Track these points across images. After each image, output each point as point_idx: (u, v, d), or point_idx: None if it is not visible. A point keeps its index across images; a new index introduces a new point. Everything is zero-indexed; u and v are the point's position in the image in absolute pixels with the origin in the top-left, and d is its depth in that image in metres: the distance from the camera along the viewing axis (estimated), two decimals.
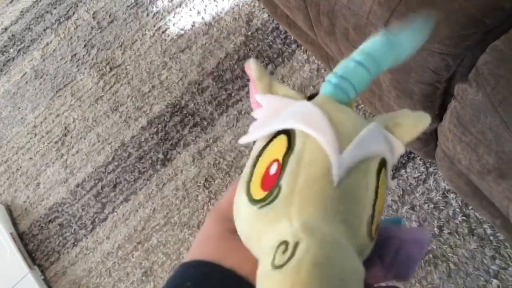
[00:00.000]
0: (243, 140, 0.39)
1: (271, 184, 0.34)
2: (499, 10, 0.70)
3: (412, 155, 1.28)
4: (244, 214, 0.35)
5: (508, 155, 0.66)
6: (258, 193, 0.35)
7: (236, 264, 0.36)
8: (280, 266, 0.28)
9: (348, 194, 0.33)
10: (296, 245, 0.29)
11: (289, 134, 0.36)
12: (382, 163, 0.36)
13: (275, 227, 0.32)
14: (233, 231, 0.37)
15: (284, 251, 0.29)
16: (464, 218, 1.18)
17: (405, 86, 0.80)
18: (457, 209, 1.19)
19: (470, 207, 1.18)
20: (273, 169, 0.35)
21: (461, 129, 0.73)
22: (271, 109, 0.40)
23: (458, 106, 0.72)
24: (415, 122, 0.40)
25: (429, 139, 0.97)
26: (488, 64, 0.68)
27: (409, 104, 0.83)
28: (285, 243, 0.30)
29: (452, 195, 1.21)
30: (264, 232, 0.33)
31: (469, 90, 0.69)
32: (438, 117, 0.85)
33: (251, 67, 0.42)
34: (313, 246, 0.29)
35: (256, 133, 0.39)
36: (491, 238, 1.15)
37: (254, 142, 0.40)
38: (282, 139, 0.37)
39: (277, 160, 0.35)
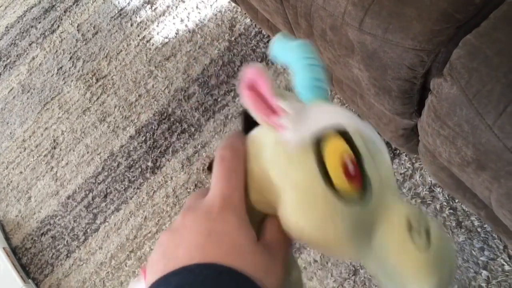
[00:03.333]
0: (295, 137, 0.36)
1: (358, 181, 0.35)
2: (470, 5, 0.71)
3: (398, 151, 1.29)
4: (328, 212, 0.34)
5: (485, 146, 0.67)
6: (349, 191, 0.34)
7: (266, 284, 0.32)
8: (425, 249, 0.32)
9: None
10: (427, 230, 0.33)
11: (343, 135, 0.37)
12: None
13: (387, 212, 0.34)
14: (256, 240, 0.34)
15: (418, 233, 0.33)
16: (451, 211, 1.19)
17: (382, 83, 0.81)
18: (444, 203, 1.21)
19: (456, 200, 1.19)
20: (351, 168, 0.35)
21: (439, 123, 0.74)
22: (298, 113, 0.38)
23: (434, 100, 0.74)
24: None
25: (410, 135, 0.99)
26: (461, 58, 0.69)
27: (388, 100, 0.84)
28: (410, 225, 0.33)
29: (438, 189, 1.22)
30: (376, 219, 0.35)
31: (444, 84, 0.71)
32: (417, 112, 0.87)
33: (262, 71, 0.40)
34: (438, 230, 0.33)
35: (308, 130, 0.37)
36: (479, 229, 1.16)
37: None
38: (338, 140, 0.36)
39: (350, 158, 0.35)
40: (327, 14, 0.85)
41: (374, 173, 0.35)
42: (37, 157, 1.86)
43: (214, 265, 0.31)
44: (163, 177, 1.60)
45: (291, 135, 0.36)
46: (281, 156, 0.36)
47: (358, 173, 0.34)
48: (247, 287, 0.30)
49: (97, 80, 1.88)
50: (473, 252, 1.15)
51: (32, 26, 2.17)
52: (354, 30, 0.80)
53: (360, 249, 0.34)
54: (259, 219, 0.38)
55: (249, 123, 0.40)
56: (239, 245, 0.33)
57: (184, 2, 1.87)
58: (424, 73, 0.76)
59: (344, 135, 0.36)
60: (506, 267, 1.12)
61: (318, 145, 0.35)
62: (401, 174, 1.27)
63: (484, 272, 1.13)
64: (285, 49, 0.44)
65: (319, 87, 0.42)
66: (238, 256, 0.32)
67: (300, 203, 0.34)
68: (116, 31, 1.96)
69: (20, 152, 1.90)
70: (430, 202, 1.22)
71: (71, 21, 2.08)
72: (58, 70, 2.00)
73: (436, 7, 0.72)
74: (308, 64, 0.42)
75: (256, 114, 0.38)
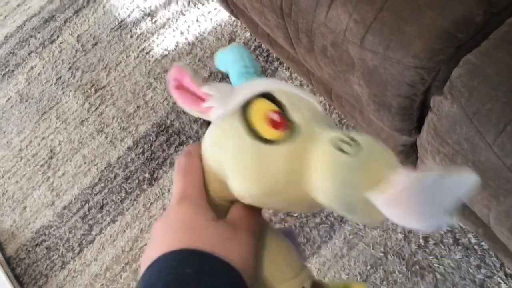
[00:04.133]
0: (224, 111, 0.40)
1: (283, 124, 0.38)
2: (470, 24, 0.72)
3: None
4: (253, 154, 0.37)
5: (485, 164, 0.68)
6: (271, 133, 0.37)
7: (230, 256, 0.36)
8: (355, 154, 0.33)
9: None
10: (355, 141, 0.34)
11: (267, 96, 0.40)
12: None
13: (319, 141, 0.36)
14: (215, 220, 0.38)
15: (347, 145, 0.34)
16: (448, 228, 1.20)
17: (383, 99, 0.82)
18: None
19: (454, 218, 1.19)
20: (275, 116, 0.38)
21: (439, 140, 0.75)
22: (224, 93, 0.41)
23: (434, 118, 0.74)
24: None
25: (409, 152, 0.99)
26: (461, 77, 0.70)
27: (388, 117, 0.85)
28: (342, 140, 0.35)
29: None
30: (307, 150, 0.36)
31: (445, 102, 0.71)
32: (417, 129, 0.87)
33: (182, 67, 0.43)
34: (367, 139, 0.35)
35: (234, 102, 0.40)
36: (476, 247, 1.16)
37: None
38: (263, 101, 0.40)
39: (275, 111, 0.39)
40: (329, 31, 0.86)
41: (297, 115, 0.38)
42: (34, 166, 1.85)
43: (172, 252, 0.35)
44: (160, 189, 1.60)
45: (220, 112, 0.40)
46: (216, 133, 0.40)
47: (283, 119, 0.38)
48: (199, 260, 0.35)
49: (96, 91, 1.89)
50: (469, 269, 1.15)
51: (31, 36, 2.18)
52: (355, 47, 0.81)
53: (306, 185, 0.36)
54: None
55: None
56: (193, 227, 0.37)
57: (184, 15, 1.88)
58: (424, 91, 0.77)
59: (267, 96, 0.40)
60: (503, 286, 1.12)
61: (244, 110, 0.39)
62: None
63: None
64: (222, 56, 0.54)
65: (248, 72, 0.49)
66: (193, 235, 0.36)
67: (238, 165, 0.38)
68: (116, 42, 1.96)
69: (17, 162, 1.90)
70: None
71: (71, 31, 2.08)
72: (56, 80, 2.00)
73: (437, 26, 0.73)
74: (238, 57, 0.51)
75: (187, 108, 0.42)
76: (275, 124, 0.38)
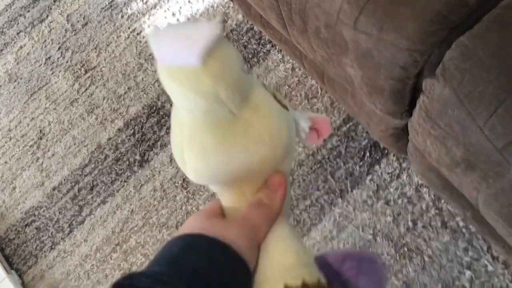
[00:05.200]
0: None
1: None
2: (463, 7, 0.72)
3: (386, 151, 1.31)
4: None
5: (475, 146, 0.68)
6: None
7: (220, 233, 0.42)
8: None
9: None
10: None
11: None
12: None
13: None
14: (212, 218, 0.46)
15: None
16: (437, 211, 1.21)
17: (375, 82, 0.82)
18: (430, 203, 1.22)
19: (442, 201, 1.21)
20: None
21: (430, 123, 0.75)
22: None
23: (426, 100, 0.75)
24: None
25: (400, 135, 1.00)
26: (454, 59, 0.70)
27: (380, 100, 0.85)
28: None
29: (425, 189, 1.24)
30: None
31: (437, 85, 0.71)
32: (408, 112, 0.88)
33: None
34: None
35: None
36: (464, 230, 1.18)
37: None
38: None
39: None
40: (322, 12, 0.86)
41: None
42: (23, 147, 1.84)
43: (176, 236, 0.44)
44: (151, 170, 1.59)
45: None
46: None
47: None
48: (200, 241, 0.42)
49: (86, 72, 1.87)
50: (457, 252, 1.17)
51: (20, 15, 2.15)
52: (348, 29, 0.80)
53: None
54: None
55: None
56: (195, 224, 0.45)
57: None
58: (416, 74, 0.77)
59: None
60: (489, 268, 1.13)
61: None
62: (388, 173, 1.28)
63: (468, 272, 1.15)
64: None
65: None
66: (193, 227, 0.44)
67: (183, 143, 0.45)
68: (106, 22, 1.94)
69: (6, 142, 1.88)
70: (416, 202, 1.24)
71: (61, 11, 2.06)
72: (46, 60, 1.98)
73: (430, 9, 0.73)
74: None
75: None
76: None
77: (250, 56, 1.61)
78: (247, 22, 1.65)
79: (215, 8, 1.75)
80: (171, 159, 1.58)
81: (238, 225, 0.44)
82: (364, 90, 0.88)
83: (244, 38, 1.64)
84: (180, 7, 1.83)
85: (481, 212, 0.79)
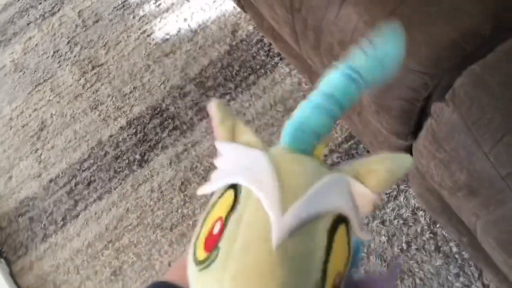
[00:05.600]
0: (202, 190, 0.38)
1: (213, 244, 0.33)
2: (478, 37, 0.74)
3: None
4: (191, 274, 0.34)
5: (479, 172, 0.70)
6: (202, 254, 0.34)
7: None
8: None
9: (290, 258, 0.31)
10: None
11: (236, 189, 0.35)
12: (338, 220, 0.34)
13: None
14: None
15: None
16: (431, 235, 1.22)
17: (384, 101, 0.83)
18: (425, 226, 1.23)
19: (438, 225, 1.22)
20: (216, 229, 0.34)
21: (436, 146, 0.77)
22: (230, 159, 0.39)
23: (434, 123, 0.76)
24: (393, 167, 0.37)
25: None
26: (464, 86, 0.72)
27: (387, 119, 0.86)
28: None
29: (421, 213, 1.25)
30: None
31: (446, 109, 0.73)
32: (413, 134, 0.89)
33: (213, 109, 0.41)
34: None
35: (211, 186, 0.37)
36: (456, 256, 1.19)
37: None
38: (230, 195, 0.35)
39: (221, 218, 0.34)
40: (337, 29, 0.87)
41: (227, 243, 0.33)
42: (23, 137, 1.84)
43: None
44: (150, 171, 1.60)
45: (212, 178, 0.39)
46: None
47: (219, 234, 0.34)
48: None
49: (93, 68, 1.88)
50: (448, 277, 1.18)
51: (32, 6, 2.16)
52: None
53: None
54: None
55: None
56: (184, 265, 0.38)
57: (189, 1, 1.88)
58: (426, 97, 0.78)
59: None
60: None
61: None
62: (386, 194, 1.30)
63: None
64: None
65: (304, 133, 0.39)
66: (181, 272, 0.39)
67: None
68: (118, 21, 1.96)
69: (6, 131, 1.89)
70: (411, 224, 1.25)
71: (73, 6, 2.07)
72: (54, 53, 1.99)
73: (445, 36, 0.75)
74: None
75: None
76: (209, 243, 0.34)
77: (257, 67, 1.62)
78: (258, 33, 1.67)
79: (226, 17, 1.77)
80: (171, 161, 1.58)
81: None
82: (372, 108, 0.89)
83: (253, 49, 1.66)
84: (192, 13, 1.85)
85: (478, 238, 0.80)
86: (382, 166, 0.37)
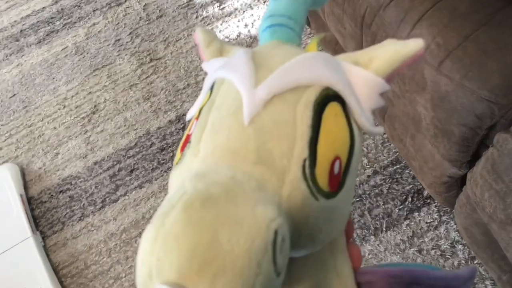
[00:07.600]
0: (190, 112, 0.37)
1: (187, 142, 0.31)
2: None
3: (428, 201, 1.30)
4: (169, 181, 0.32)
5: None
6: (178, 157, 0.32)
7: None
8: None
9: (265, 132, 0.28)
10: (183, 193, 0.25)
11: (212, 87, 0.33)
12: (329, 97, 0.31)
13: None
14: None
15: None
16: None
17: (446, 126, 0.83)
18: (463, 261, 1.21)
19: (476, 262, 1.20)
20: (193, 128, 0.32)
21: (494, 176, 0.76)
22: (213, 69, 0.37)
23: (495, 153, 0.75)
24: (399, 47, 0.34)
25: (453, 185, 1.00)
26: None
27: (446, 144, 0.86)
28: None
29: (460, 247, 1.23)
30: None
31: (510, 140, 0.72)
32: (468, 164, 0.88)
33: (198, 36, 0.41)
34: (191, 190, 0.25)
35: (196, 103, 0.36)
36: None
37: None
38: (207, 95, 0.33)
39: (196, 118, 0.32)
40: None
41: (199, 130, 0.31)
42: (75, 117, 1.90)
43: None
44: None
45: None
46: None
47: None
48: None
49: (151, 60, 1.93)
50: None
51: None
52: (431, 69, 0.82)
53: None
54: None
55: None
56: None
57: (252, 8, 1.91)
58: (490, 126, 0.78)
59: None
60: None
61: None
62: (427, 223, 1.28)
63: None
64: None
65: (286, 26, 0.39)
66: None
67: None
68: (180, 19, 2.01)
69: (59, 109, 1.94)
70: (449, 256, 1.23)
71: None
72: (115, 41, 2.05)
73: None
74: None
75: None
76: (184, 143, 0.32)
77: None
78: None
79: None
80: None
81: None
82: (431, 132, 0.89)
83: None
84: (254, 20, 1.88)
85: None
86: (386, 48, 0.34)
